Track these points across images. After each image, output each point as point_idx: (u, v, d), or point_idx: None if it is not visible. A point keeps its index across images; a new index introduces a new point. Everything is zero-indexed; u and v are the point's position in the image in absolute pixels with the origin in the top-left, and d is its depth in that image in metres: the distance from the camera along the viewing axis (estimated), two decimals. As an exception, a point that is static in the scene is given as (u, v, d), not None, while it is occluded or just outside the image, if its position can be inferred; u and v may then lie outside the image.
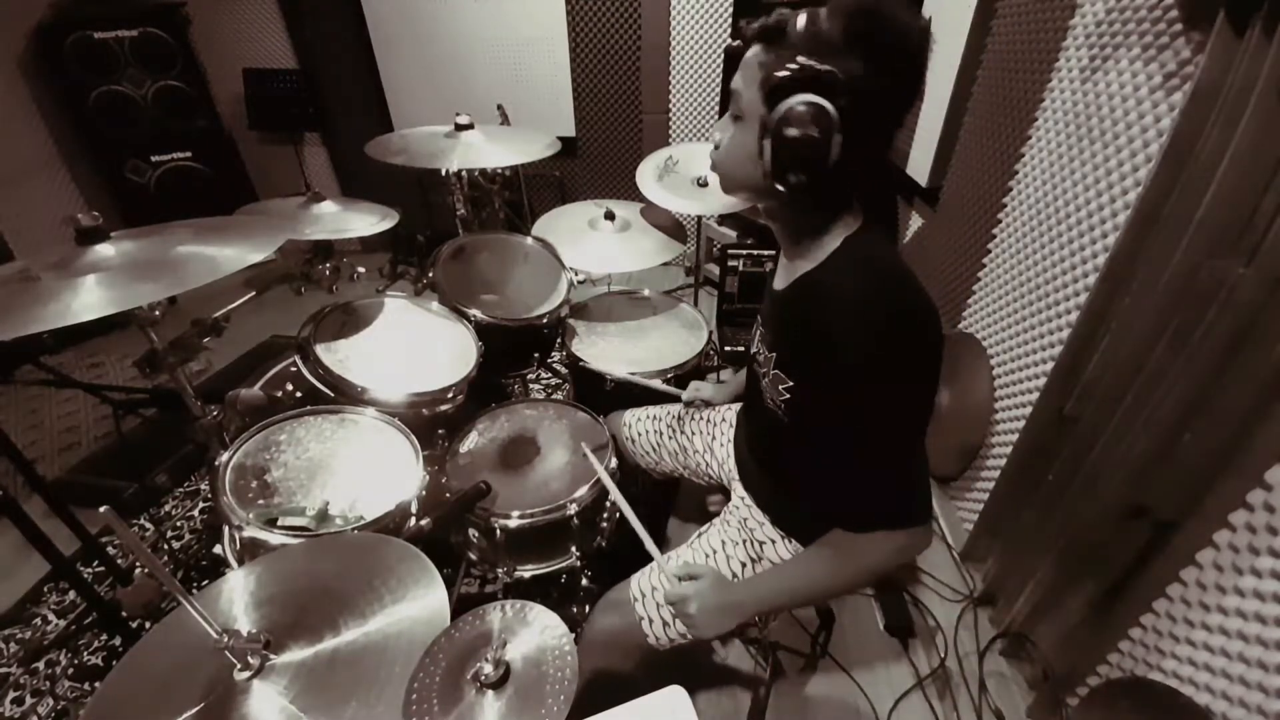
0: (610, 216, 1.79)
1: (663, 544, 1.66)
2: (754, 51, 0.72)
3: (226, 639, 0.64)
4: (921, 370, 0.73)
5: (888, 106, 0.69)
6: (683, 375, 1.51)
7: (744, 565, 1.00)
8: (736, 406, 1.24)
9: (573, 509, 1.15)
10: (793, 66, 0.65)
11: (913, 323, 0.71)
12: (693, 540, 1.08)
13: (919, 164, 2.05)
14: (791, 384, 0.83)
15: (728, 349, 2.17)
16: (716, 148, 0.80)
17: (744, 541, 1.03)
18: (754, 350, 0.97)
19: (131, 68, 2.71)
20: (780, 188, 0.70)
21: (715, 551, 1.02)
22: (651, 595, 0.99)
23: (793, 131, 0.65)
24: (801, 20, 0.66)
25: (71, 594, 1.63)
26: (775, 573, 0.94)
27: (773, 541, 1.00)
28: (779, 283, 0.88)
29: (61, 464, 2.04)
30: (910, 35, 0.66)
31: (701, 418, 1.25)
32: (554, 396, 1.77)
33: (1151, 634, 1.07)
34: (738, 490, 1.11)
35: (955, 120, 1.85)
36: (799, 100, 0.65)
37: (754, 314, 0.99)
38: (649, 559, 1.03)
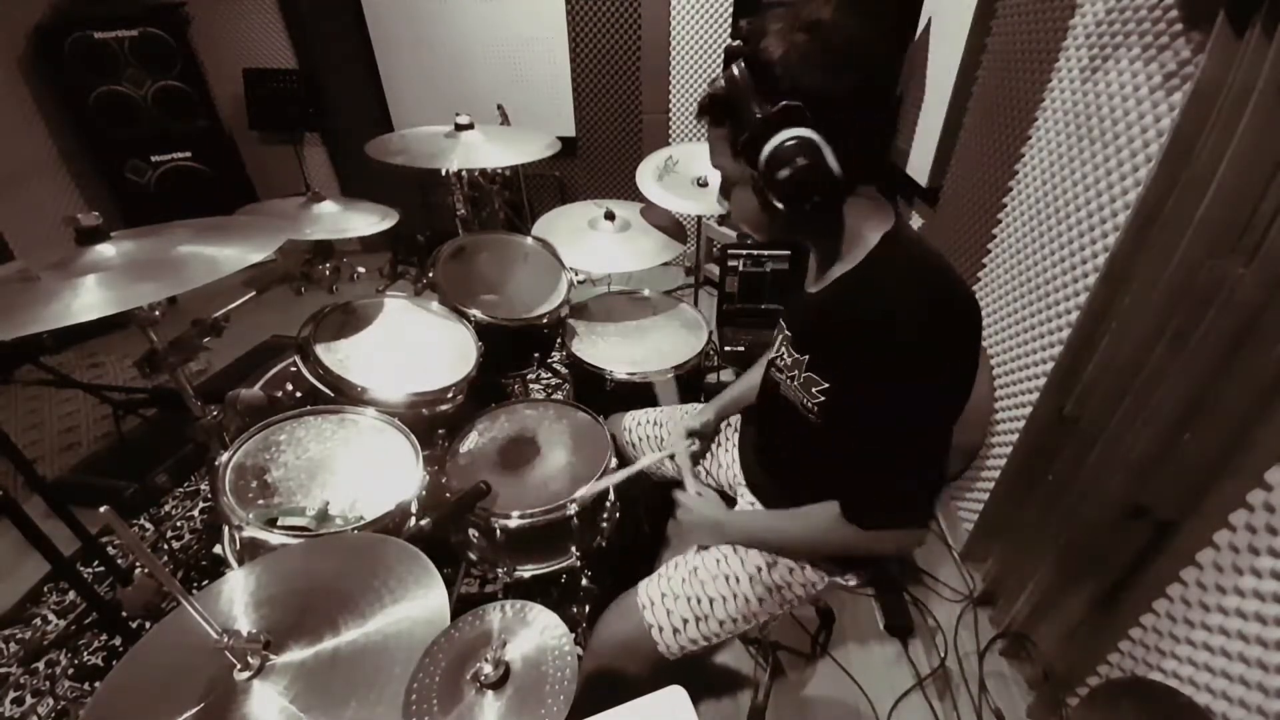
0: (610, 216, 1.78)
1: (663, 547, 1.67)
2: (712, 132, 0.76)
3: (226, 639, 0.64)
4: (961, 361, 0.73)
5: (864, 100, 0.69)
6: (682, 375, 1.50)
7: (759, 569, 0.98)
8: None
9: (573, 509, 1.15)
10: (750, 125, 0.68)
11: (954, 312, 0.72)
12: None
13: (919, 164, 2.05)
14: (826, 385, 0.81)
15: (728, 349, 2.16)
16: (728, 215, 0.85)
17: None
18: (774, 356, 0.95)
19: (131, 68, 2.71)
20: (803, 214, 0.72)
21: (727, 556, 1.00)
22: (660, 602, 0.98)
23: (785, 172, 0.67)
24: (739, 76, 0.68)
25: (71, 594, 1.63)
26: (768, 516, 1.01)
27: None
28: (811, 286, 0.87)
29: (61, 464, 2.04)
30: (848, 29, 0.66)
31: None
32: (554, 396, 1.77)
33: (1151, 634, 1.07)
34: (745, 495, 1.10)
35: (955, 120, 1.85)
36: (774, 145, 0.67)
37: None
38: (650, 560, 1.02)
